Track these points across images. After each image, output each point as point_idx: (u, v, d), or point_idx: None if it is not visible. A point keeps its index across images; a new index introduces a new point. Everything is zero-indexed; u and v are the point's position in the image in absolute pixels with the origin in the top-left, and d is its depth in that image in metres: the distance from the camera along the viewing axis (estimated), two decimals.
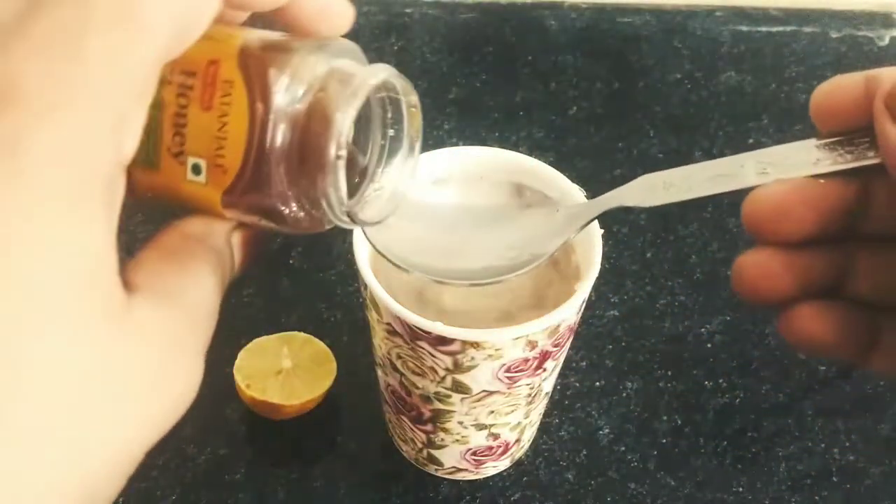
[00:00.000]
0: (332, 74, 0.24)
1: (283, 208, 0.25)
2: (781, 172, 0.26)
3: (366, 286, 0.36)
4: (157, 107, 0.23)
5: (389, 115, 0.27)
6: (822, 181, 0.25)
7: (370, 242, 0.30)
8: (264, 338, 0.47)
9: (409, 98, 0.27)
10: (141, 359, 0.21)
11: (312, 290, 0.52)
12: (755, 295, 0.26)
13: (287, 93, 0.24)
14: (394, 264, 0.30)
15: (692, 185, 0.27)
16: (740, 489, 0.45)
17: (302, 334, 0.47)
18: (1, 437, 0.18)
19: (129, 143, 0.21)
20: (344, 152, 0.24)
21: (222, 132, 0.24)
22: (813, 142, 0.26)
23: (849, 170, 0.25)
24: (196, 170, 0.24)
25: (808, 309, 0.26)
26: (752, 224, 0.26)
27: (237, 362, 0.45)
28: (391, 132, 0.27)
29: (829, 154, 0.25)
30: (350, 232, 0.36)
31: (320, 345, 0.47)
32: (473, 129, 0.60)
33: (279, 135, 0.24)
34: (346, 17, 0.25)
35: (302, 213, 0.25)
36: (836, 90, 0.26)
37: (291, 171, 0.24)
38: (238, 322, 0.49)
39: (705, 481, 0.45)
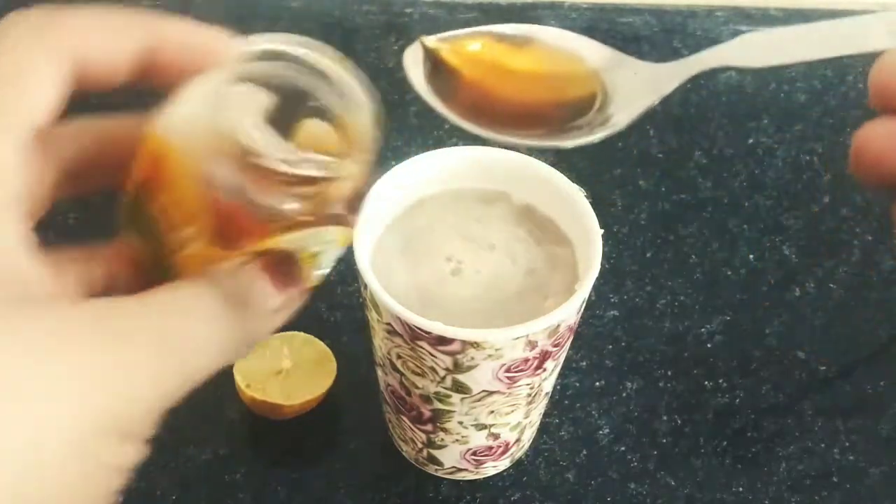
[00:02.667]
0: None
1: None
2: None
3: (366, 286, 0.36)
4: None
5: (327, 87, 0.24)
6: None
7: (419, 89, 0.26)
8: None
9: (320, 59, 0.24)
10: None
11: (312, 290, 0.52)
12: (878, 170, 0.23)
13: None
14: (438, 112, 0.26)
15: (806, 47, 0.24)
16: (740, 489, 0.45)
17: (302, 334, 0.47)
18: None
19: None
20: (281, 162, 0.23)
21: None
22: None
23: None
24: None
25: None
26: (882, 90, 0.23)
27: (237, 362, 0.45)
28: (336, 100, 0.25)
29: None
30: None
31: (320, 345, 0.47)
32: None
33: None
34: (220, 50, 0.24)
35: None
36: None
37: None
38: None
39: (705, 481, 0.45)
